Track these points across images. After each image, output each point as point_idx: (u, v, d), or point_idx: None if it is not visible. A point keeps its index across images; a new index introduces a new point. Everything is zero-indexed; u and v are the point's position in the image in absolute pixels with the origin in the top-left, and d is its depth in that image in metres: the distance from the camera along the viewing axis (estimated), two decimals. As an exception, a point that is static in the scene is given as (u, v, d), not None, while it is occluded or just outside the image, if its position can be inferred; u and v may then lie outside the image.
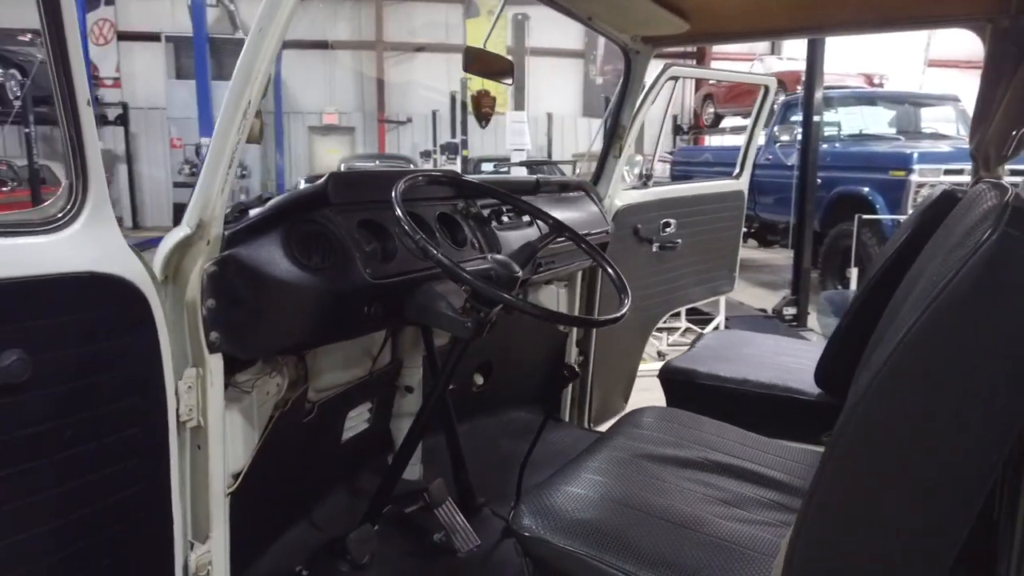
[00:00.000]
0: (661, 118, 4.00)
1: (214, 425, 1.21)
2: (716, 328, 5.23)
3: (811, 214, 5.90)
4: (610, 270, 1.59)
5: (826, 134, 7.19)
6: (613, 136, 2.41)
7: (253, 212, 1.26)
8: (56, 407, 0.96)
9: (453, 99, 11.59)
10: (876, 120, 7.80)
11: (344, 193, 1.38)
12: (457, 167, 10.53)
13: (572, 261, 2.12)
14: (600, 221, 2.24)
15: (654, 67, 2.41)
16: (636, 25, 2.10)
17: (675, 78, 2.65)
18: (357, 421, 1.85)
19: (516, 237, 1.79)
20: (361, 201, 1.41)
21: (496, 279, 1.38)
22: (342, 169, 11.35)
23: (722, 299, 5.17)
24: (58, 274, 0.93)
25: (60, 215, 0.96)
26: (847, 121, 7.55)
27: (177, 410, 1.14)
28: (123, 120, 14.88)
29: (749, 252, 9.31)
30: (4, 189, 11.06)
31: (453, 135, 11.58)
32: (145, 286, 1.05)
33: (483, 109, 10.09)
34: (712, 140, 14.26)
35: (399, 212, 1.26)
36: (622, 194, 2.49)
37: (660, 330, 5.17)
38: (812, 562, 0.81)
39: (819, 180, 6.22)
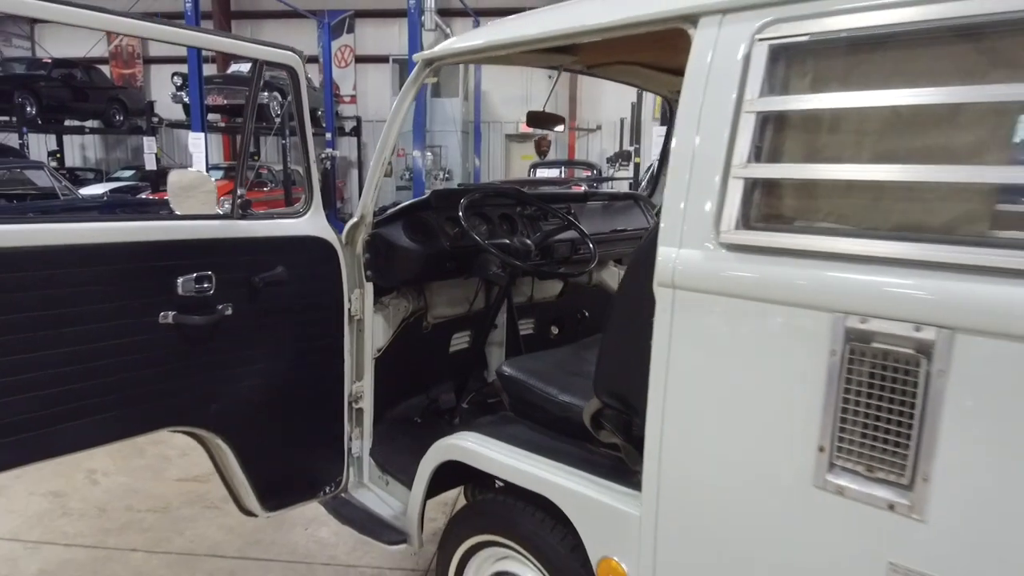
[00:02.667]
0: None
1: (367, 321, 2.35)
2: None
3: None
4: (589, 243, 2.54)
5: None
6: (664, 160, 3.28)
7: (389, 211, 2.40)
8: (297, 295, 2.14)
9: (633, 108, 12.45)
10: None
11: (440, 202, 2.47)
12: (629, 172, 11.42)
13: (614, 248, 3.04)
14: (641, 223, 3.13)
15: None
16: (667, 86, 2.95)
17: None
18: (460, 342, 2.94)
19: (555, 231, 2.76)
20: (450, 206, 2.48)
21: (513, 251, 2.39)
22: (533, 173, 12.70)
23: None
24: (299, 235, 2.12)
25: (300, 209, 2.15)
26: None
27: (349, 310, 2.30)
28: (356, 132, 17.45)
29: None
30: (265, 189, 13.78)
31: (631, 143, 12.45)
32: (337, 245, 2.21)
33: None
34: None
35: (460, 212, 2.32)
36: None
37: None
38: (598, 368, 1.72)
39: None
